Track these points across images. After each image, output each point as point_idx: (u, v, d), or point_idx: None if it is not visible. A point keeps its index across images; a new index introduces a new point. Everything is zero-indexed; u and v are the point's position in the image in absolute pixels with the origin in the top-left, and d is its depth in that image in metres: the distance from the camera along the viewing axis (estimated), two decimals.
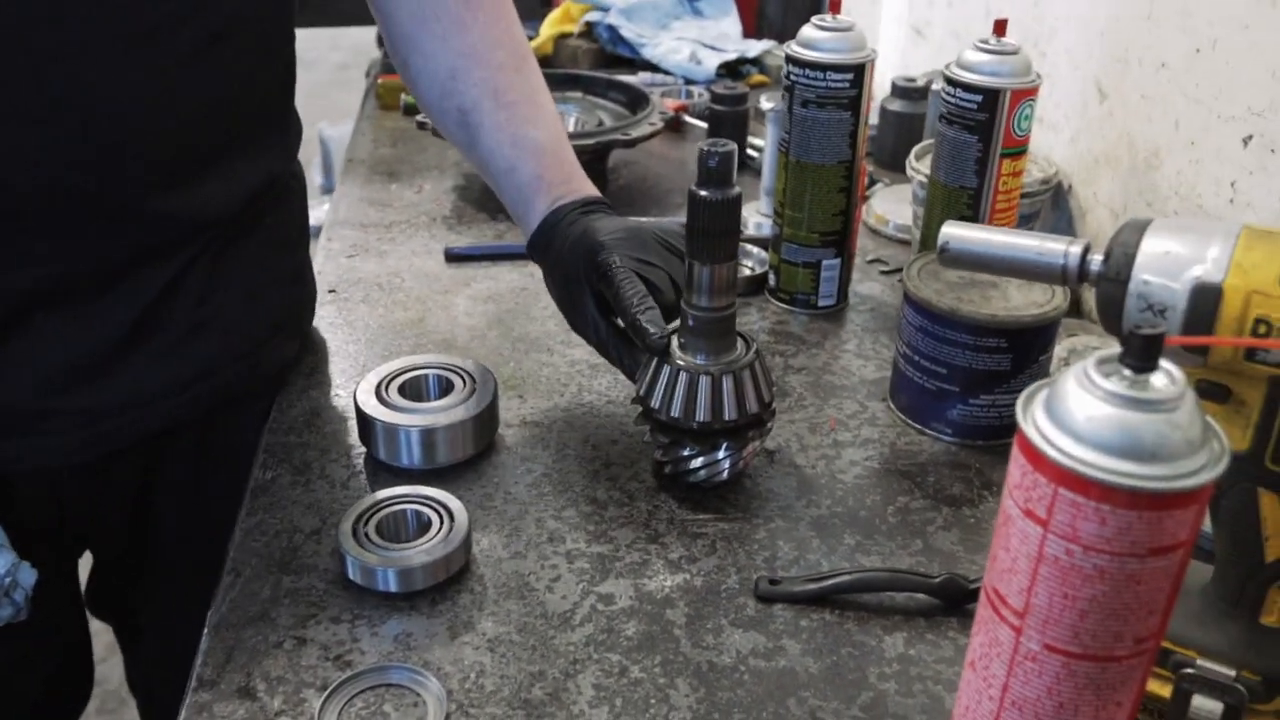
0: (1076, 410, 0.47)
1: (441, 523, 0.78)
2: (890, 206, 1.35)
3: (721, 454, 0.83)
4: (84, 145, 0.75)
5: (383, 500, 0.80)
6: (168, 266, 0.84)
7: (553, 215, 0.91)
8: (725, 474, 0.84)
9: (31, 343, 0.80)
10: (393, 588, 0.75)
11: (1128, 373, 0.47)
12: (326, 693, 0.67)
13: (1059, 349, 0.98)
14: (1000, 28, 1.00)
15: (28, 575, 0.82)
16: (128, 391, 0.85)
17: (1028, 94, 0.99)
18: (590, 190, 0.95)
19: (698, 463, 0.83)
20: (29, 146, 0.73)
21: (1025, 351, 0.89)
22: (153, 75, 0.77)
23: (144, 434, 0.89)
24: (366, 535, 0.77)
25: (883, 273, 1.23)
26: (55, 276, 0.79)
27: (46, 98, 0.73)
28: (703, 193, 0.76)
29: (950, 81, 1.00)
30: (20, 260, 0.77)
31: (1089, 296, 1.18)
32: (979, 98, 0.99)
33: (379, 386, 0.89)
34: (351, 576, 0.75)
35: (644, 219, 0.92)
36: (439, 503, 0.80)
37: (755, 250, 1.20)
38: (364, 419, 0.87)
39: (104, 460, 0.89)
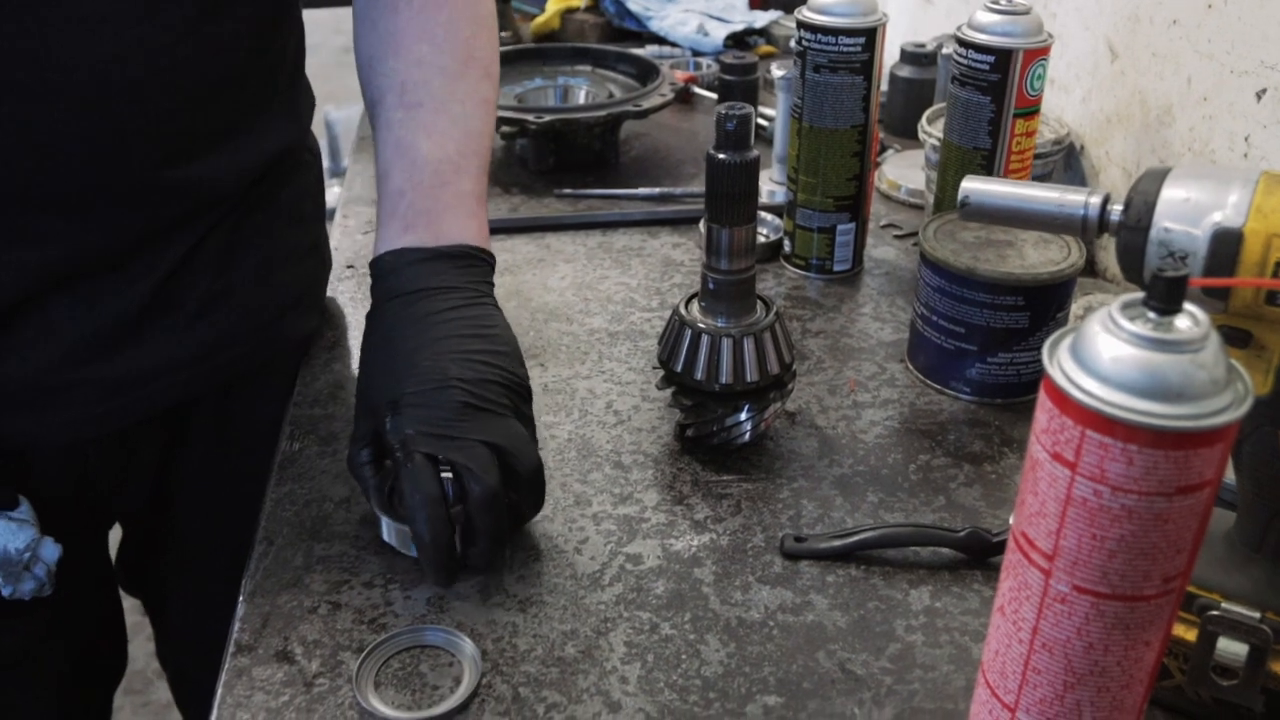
0: (1102, 353, 0.48)
1: None
2: (902, 172, 1.35)
3: (743, 416, 0.84)
4: (89, 121, 0.75)
5: None
6: (181, 240, 0.85)
7: (393, 257, 0.80)
8: (747, 435, 0.85)
9: (47, 318, 0.81)
10: None
11: (1152, 315, 0.48)
12: (363, 654, 0.68)
13: (1075, 307, 0.98)
14: None
15: (50, 551, 0.83)
16: (146, 364, 0.86)
17: (1040, 54, 0.99)
18: (459, 236, 0.82)
19: (720, 425, 0.84)
20: (35, 124, 0.74)
21: (1043, 309, 0.90)
22: (156, 47, 0.76)
23: (164, 406, 0.90)
24: (400, 499, 0.78)
25: (896, 237, 1.24)
26: (67, 253, 0.79)
27: (51, 74, 0.73)
28: (721, 156, 0.77)
29: (962, 43, 1.01)
30: (32, 238, 0.77)
31: (1104, 256, 1.18)
32: (991, 58, 0.99)
33: None
34: (386, 539, 0.76)
35: (482, 328, 0.78)
36: None
37: (770, 217, 1.20)
38: None
39: (125, 432, 0.90)
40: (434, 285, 0.79)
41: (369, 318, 0.82)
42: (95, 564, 1.02)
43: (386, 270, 0.81)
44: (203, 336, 0.89)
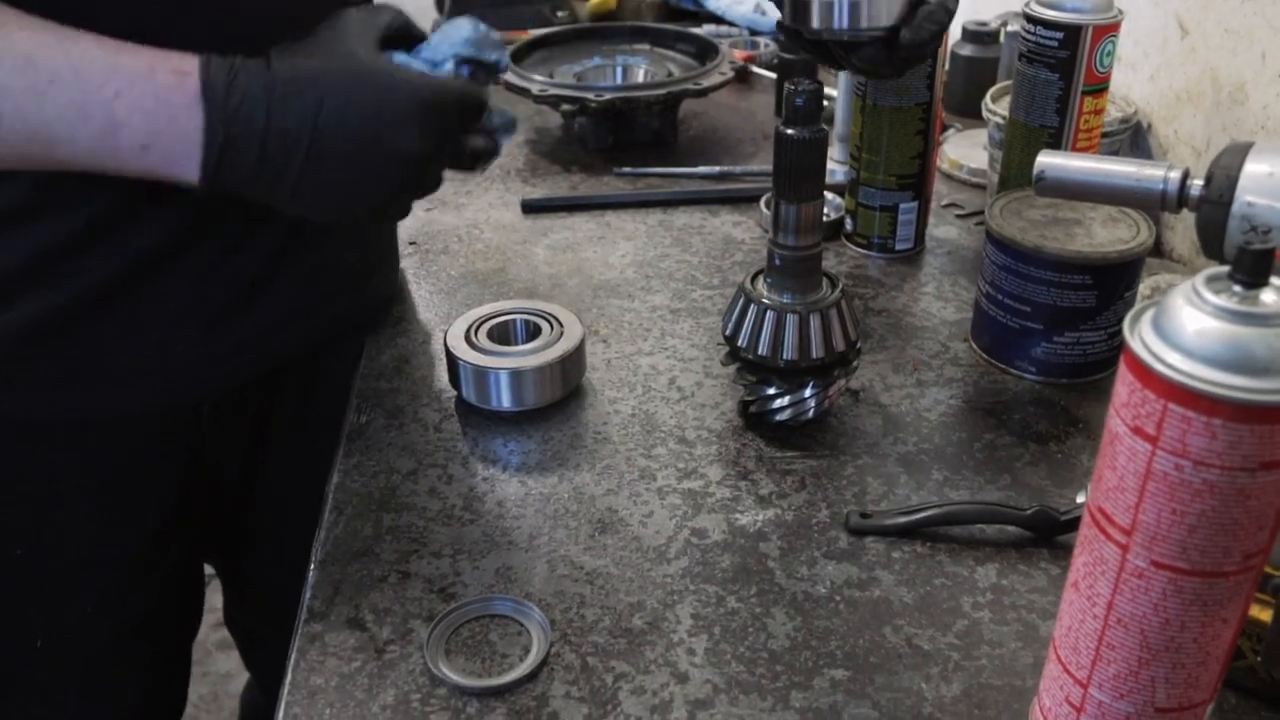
0: (1186, 326, 0.47)
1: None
2: (964, 151, 1.34)
3: (808, 393, 0.84)
4: None
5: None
6: None
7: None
8: (811, 413, 0.85)
9: (173, 284, 0.83)
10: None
11: (1237, 289, 0.47)
12: (434, 623, 0.69)
13: (1142, 287, 0.97)
14: None
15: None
16: (260, 326, 0.89)
17: (1110, 30, 0.98)
18: None
19: (784, 402, 0.84)
20: None
21: (1110, 288, 0.89)
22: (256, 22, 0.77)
23: (270, 366, 0.94)
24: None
25: (959, 216, 1.23)
26: (190, 223, 0.81)
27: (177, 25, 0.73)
28: (789, 131, 0.77)
29: (1030, 19, 1.00)
30: (164, 200, 0.77)
31: (1170, 236, 1.17)
32: (1060, 35, 0.98)
33: (468, 331, 0.91)
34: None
35: None
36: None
37: (831, 196, 1.20)
38: (454, 362, 0.89)
39: (227, 398, 0.94)
40: None
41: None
42: (186, 530, 1.05)
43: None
44: (309, 295, 0.92)
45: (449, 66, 0.78)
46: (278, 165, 0.69)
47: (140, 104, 0.67)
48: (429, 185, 0.78)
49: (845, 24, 0.70)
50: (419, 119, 0.72)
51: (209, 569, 1.16)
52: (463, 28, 0.79)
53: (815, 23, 0.72)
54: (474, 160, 0.79)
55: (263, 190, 0.71)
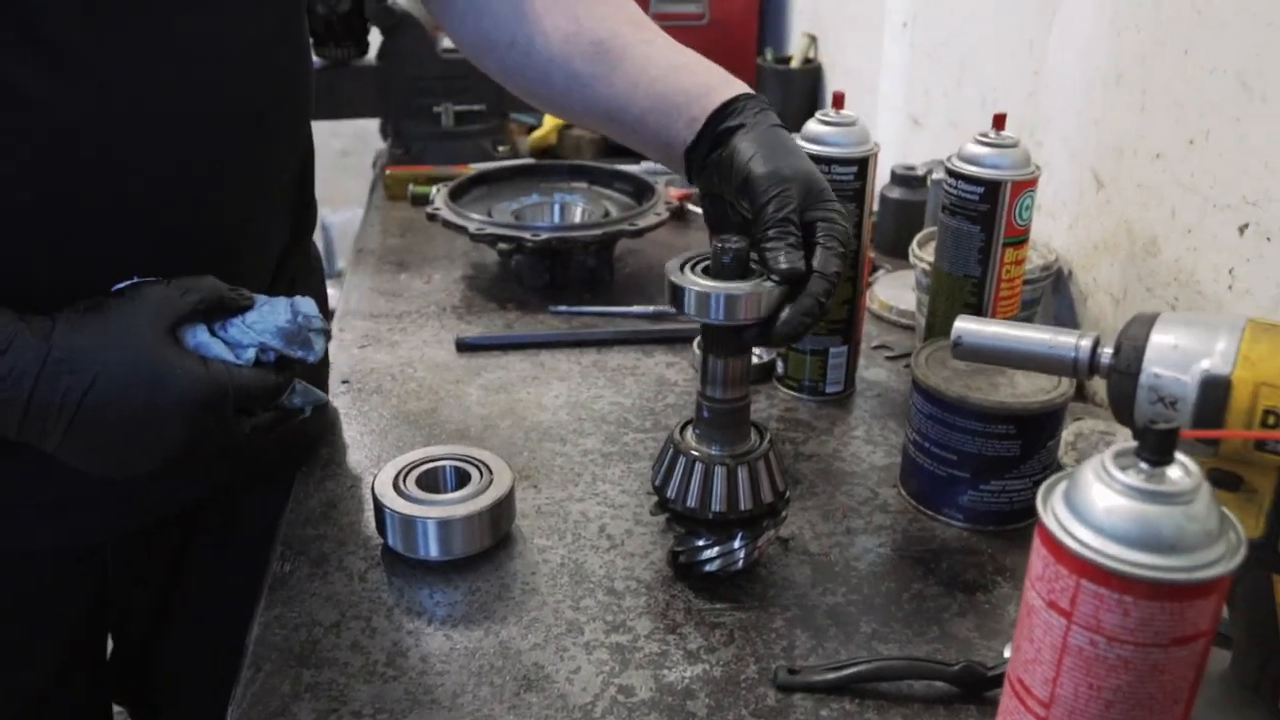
0: (1096, 503, 0.48)
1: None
2: (893, 292, 1.37)
3: (737, 544, 0.84)
4: (116, 226, 0.77)
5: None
6: None
7: (745, 100, 0.85)
8: (740, 564, 0.85)
9: None
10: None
11: (1144, 466, 0.48)
12: None
13: (1066, 433, 0.99)
14: (999, 121, 1.03)
15: (309, 305, 0.82)
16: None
17: (1028, 185, 1.01)
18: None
19: (713, 553, 0.84)
20: (67, 239, 0.76)
21: (1034, 437, 0.90)
22: (198, 158, 0.79)
23: (180, 510, 0.93)
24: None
25: (888, 358, 1.25)
26: None
27: (107, 197, 0.75)
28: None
29: (952, 174, 1.03)
30: None
31: (1093, 382, 1.19)
32: (981, 189, 1.01)
33: (396, 478, 0.90)
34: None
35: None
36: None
37: None
38: (381, 511, 0.88)
39: (144, 533, 0.94)
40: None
41: (748, 128, 0.84)
42: (96, 667, 1.02)
43: (748, 106, 0.86)
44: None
45: (250, 354, 0.79)
46: (38, 431, 0.72)
47: None
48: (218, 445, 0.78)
49: (720, 316, 0.76)
50: (191, 413, 0.74)
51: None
52: (280, 314, 0.80)
53: (691, 312, 0.77)
54: (253, 437, 0.80)
55: (30, 443, 0.73)
